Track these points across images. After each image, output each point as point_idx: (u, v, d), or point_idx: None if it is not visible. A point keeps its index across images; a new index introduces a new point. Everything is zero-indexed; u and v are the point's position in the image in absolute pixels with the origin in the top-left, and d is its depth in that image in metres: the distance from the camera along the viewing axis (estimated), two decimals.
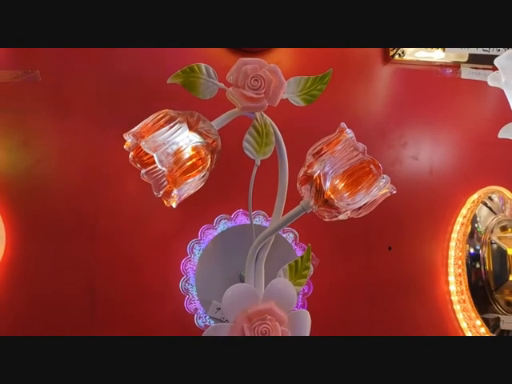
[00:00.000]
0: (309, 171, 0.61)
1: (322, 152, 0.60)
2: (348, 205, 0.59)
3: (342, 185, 0.59)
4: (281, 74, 0.61)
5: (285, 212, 0.66)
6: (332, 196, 0.58)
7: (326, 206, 0.60)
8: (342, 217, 0.61)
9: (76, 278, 0.83)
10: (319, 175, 0.59)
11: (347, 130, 0.61)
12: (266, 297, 0.63)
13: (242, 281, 0.78)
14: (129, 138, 0.59)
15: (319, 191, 0.59)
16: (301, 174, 0.62)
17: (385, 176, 0.59)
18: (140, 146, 0.58)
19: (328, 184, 0.58)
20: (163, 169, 0.57)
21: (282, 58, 0.93)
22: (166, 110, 0.59)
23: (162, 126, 0.58)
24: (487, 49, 0.93)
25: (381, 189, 0.59)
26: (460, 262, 0.93)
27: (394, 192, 0.60)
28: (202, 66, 0.62)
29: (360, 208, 0.60)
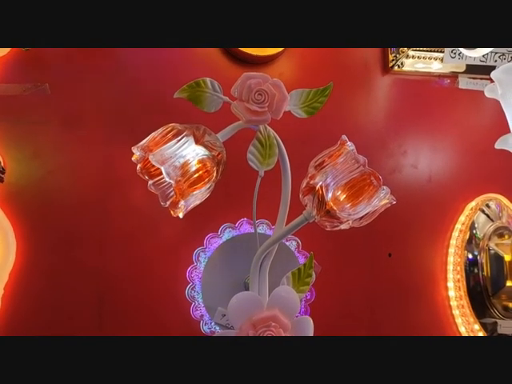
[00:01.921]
0: (311, 182, 0.62)
1: (324, 164, 0.61)
2: (349, 215, 0.60)
3: (344, 196, 0.60)
4: (284, 88, 0.62)
5: (288, 221, 0.66)
6: (334, 207, 0.60)
7: (328, 217, 0.61)
8: (343, 226, 0.62)
9: (84, 286, 0.84)
10: (321, 186, 0.60)
11: (348, 142, 0.62)
12: (270, 304, 0.64)
13: (246, 288, 0.79)
14: (137, 152, 0.59)
15: (321, 202, 0.60)
16: (303, 185, 0.63)
17: (385, 187, 0.60)
18: (147, 158, 0.58)
19: (330, 195, 0.60)
20: (171, 181, 0.58)
21: (284, 70, 0.94)
22: (173, 124, 0.60)
23: (170, 140, 0.59)
24: (484, 59, 0.94)
25: (381, 200, 0.60)
26: (459, 268, 0.94)
27: (394, 202, 0.61)
28: (208, 80, 0.63)
29: (361, 218, 0.61)
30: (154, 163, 0.58)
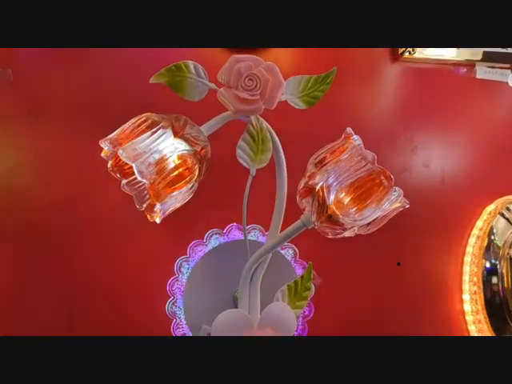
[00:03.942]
0: (310, 183, 0.56)
1: (326, 161, 0.56)
2: (355, 221, 0.55)
3: (349, 198, 0.54)
4: (279, 72, 0.56)
5: (283, 227, 0.62)
6: (337, 211, 0.54)
7: (330, 222, 0.56)
8: (347, 234, 0.57)
9: (52, 300, 0.79)
10: (322, 187, 0.55)
11: (354, 136, 0.57)
12: (262, 323, 0.60)
13: (235, 303, 0.75)
14: (105, 146, 0.53)
15: (322, 205, 0.55)
16: (301, 185, 0.58)
17: (397, 189, 0.55)
18: None
19: (332, 197, 0.54)
20: (143, 180, 0.51)
21: (280, 55, 0.89)
22: (148, 114, 0.55)
23: (143, 132, 0.53)
24: None
25: (392, 203, 0.55)
26: (475, 279, 0.87)
27: (407, 206, 0.55)
28: (190, 63, 0.57)
29: (369, 224, 0.56)
30: (123, 159, 0.51)
